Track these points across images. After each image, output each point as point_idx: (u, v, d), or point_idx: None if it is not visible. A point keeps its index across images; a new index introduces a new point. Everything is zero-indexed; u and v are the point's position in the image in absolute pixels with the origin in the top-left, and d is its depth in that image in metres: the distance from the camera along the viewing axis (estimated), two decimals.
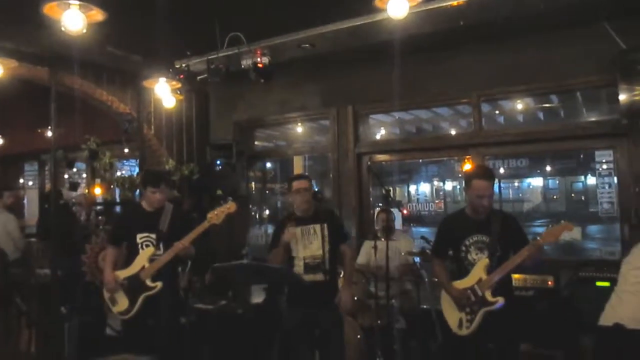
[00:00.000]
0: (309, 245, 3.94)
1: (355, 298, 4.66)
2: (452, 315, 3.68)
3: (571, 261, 5.60)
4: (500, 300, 3.51)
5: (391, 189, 4.52)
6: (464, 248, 3.68)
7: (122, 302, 4.17)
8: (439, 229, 3.99)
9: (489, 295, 3.54)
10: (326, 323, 3.89)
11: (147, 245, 4.19)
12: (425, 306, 5.05)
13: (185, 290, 5.11)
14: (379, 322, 4.80)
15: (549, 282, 4.89)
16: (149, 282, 4.11)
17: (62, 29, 3.54)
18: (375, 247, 4.83)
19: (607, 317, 3.29)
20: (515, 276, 4.63)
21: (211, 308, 5.38)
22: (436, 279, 4.02)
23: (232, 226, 6.79)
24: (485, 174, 3.67)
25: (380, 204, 6.98)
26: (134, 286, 4.13)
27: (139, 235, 4.20)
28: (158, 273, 4.12)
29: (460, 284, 3.68)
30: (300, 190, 3.97)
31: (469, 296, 3.59)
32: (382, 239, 5.04)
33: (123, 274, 4.20)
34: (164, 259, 4.12)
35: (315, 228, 3.98)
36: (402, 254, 5.24)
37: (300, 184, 4.01)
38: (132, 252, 4.23)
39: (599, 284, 4.71)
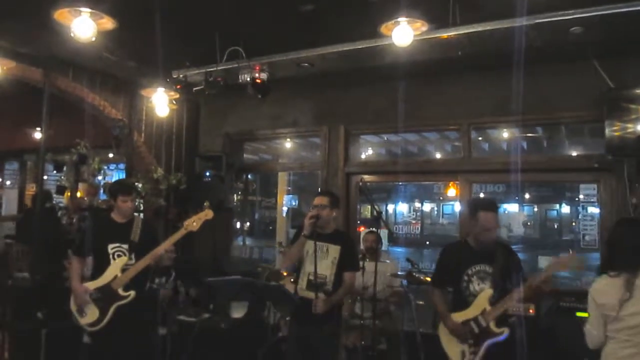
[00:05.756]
0: (318, 262, 3.84)
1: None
2: (454, 348, 3.63)
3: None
4: (506, 331, 3.51)
5: (376, 207, 4.55)
6: (465, 278, 3.66)
7: (92, 313, 4.12)
8: (439, 259, 3.97)
9: (494, 326, 3.52)
10: (318, 342, 3.86)
11: (119, 255, 4.19)
12: (408, 329, 5.08)
13: (170, 300, 5.08)
14: (362, 342, 4.81)
15: (530, 310, 4.95)
16: (121, 292, 4.11)
17: (72, 35, 3.53)
18: (362, 268, 4.86)
19: None
20: None
21: (194, 321, 5.35)
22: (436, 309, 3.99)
23: (215, 238, 6.78)
24: (491, 205, 3.69)
25: (359, 222, 7.05)
26: (105, 296, 4.11)
27: (110, 246, 4.20)
28: (131, 282, 4.13)
29: (462, 315, 3.64)
30: (316, 206, 3.95)
31: (470, 329, 3.57)
32: (368, 260, 5.09)
33: (93, 284, 4.16)
34: (138, 267, 4.14)
35: (329, 248, 3.95)
36: (388, 275, 5.28)
37: (318, 200, 3.99)
38: (102, 263, 4.20)
39: (579, 314, 4.81)
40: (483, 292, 3.60)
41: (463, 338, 3.58)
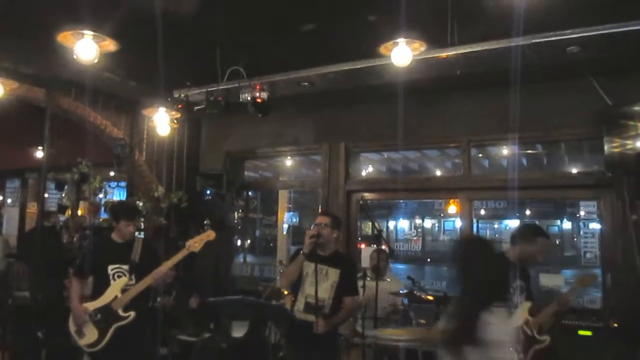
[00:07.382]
0: (317, 284, 3.79)
1: (342, 337, 4.65)
2: None
3: None
4: (548, 339, 3.69)
5: (376, 225, 4.60)
6: (511, 291, 3.74)
7: (91, 334, 4.10)
8: None
9: (537, 334, 3.71)
10: None
11: (119, 276, 4.19)
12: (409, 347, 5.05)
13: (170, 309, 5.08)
14: None
15: None
16: (121, 312, 4.11)
17: (75, 57, 3.57)
18: (364, 287, 4.85)
19: None
20: None
21: (194, 340, 5.32)
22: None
23: (216, 257, 6.77)
24: (547, 232, 4.02)
25: (359, 239, 7.04)
26: (105, 317, 4.10)
27: (110, 267, 4.19)
28: (131, 302, 4.12)
29: None
30: (318, 224, 3.94)
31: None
32: (369, 278, 5.08)
33: (92, 305, 4.15)
34: (138, 287, 4.14)
35: (329, 271, 3.92)
36: (389, 293, 5.26)
37: (320, 219, 4.00)
38: (102, 284, 4.19)
39: (581, 332, 4.79)
40: (524, 304, 3.77)
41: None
